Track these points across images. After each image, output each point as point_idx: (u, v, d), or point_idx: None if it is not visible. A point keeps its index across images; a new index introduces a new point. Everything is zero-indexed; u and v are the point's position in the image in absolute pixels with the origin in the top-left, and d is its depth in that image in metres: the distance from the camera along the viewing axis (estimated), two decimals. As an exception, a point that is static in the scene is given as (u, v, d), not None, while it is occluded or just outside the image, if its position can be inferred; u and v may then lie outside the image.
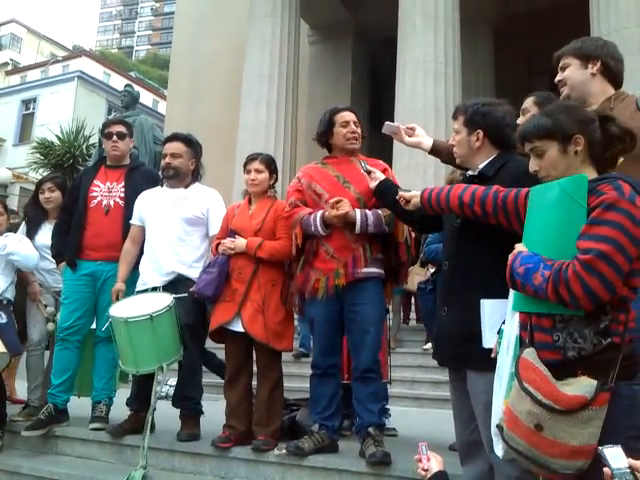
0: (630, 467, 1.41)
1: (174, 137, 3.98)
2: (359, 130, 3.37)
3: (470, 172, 2.49)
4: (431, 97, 9.16)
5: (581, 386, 1.66)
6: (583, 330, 1.73)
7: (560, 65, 2.56)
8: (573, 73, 2.51)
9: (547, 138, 1.91)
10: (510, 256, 1.89)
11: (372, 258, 3.21)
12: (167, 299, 3.53)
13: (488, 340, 2.17)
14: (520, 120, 2.72)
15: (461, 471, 2.43)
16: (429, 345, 6.77)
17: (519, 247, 1.89)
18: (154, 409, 3.55)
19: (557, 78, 2.55)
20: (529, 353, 1.76)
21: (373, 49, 14.49)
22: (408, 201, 2.56)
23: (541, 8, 12.65)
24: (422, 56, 9.35)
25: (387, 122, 3.09)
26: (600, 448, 1.51)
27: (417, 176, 8.30)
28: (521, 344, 1.87)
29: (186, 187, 3.90)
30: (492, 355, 2.09)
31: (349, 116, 3.37)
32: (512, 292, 1.95)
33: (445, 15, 9.57)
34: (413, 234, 3.36)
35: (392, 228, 3.19)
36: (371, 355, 3.16)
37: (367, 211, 3.18)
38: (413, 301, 7.96)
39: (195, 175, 3.98)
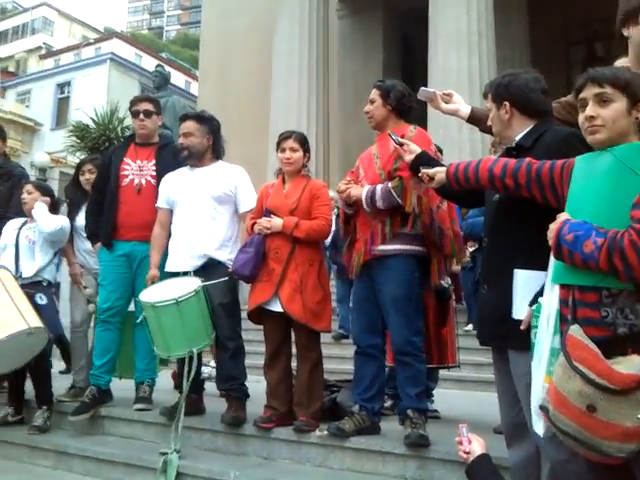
0: None
1: (184, 116, 3.96)
2: (371, 107, 3.34)
3: (507, 146, 2.41)
4: (465, 71, 8.93)
5: (634, 365, 1.61)
6: (635, 305, 1.68)
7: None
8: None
9: (621, 90, 1.82)
10: (555, 224, 1.82)
11: (394, 233, 3.14)
12: (195, 283, 3.52)
13: (519, 311, 2.12)
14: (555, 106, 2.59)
15: (506, 454, 2.40)
16: (470, 326, 6.69)
17: (564, 215, 1.83)
18: (195, 392, 3.58)
19: (626, 33, 2.35)
20: (575, 330, 1.70)
21: (404, 22, 14.18)
22: (432, 178, 2.49)
23: (578, -22, 12.21)
24: (455, 28, 9.11)
25: (422, 87, 2.99)
26: None
27: (452, 153, 8.13)
28: (562, 320, 1.82)
29: (210, 164, 3.85)
30: (522, 327, 2.04)
31: (370, 95, 3.36)
32: (552, 264, 1.89)
33: (477, -16, 9.29)
34: (444, 205, 3.22)
35: (402, 197, 3.10)
36: (399, 336, 3.11)
37: (377, 186, 3.14)
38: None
39: (216, 151, 3.92)
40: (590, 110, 1.84)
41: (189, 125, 3.83)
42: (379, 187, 3.14)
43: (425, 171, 2.52)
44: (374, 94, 3.35)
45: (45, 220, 4.18)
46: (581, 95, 1.89)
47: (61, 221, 4.29)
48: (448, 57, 9.09)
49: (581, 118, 1.88)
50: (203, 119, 3.89)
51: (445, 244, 3.22)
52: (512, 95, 2.34)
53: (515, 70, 2.46)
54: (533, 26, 12.58)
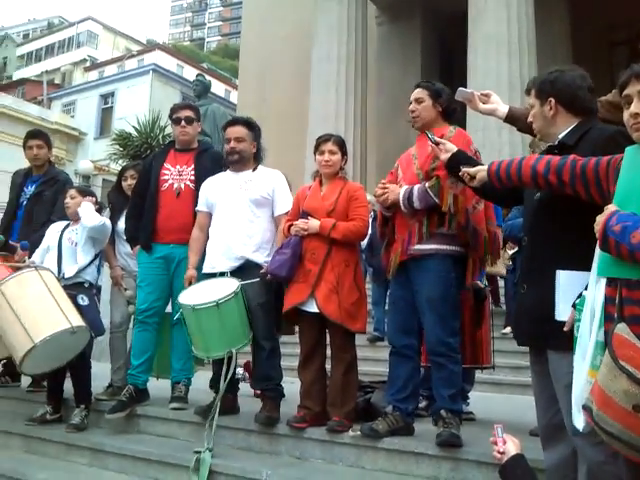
0: None
1: (235, 121, 4.00)
2: (419, 107, 3.30)
3: (550, 143, 2.37)
4: (505, 74, 8.86)
5: None
6: None
7: None
8: None
9: None
10: (603, 215, 1.79)
11: (431, 233, 3.13)
12: (233, 285, 3.54)
13: (561, 312, 2.09)
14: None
15: (542, 456, 2.35)
16: (508, 329, 6.59)
17: (612, 207, 1.80)
18: (230, 392, 3.61)
19: None
20: (622, 329, 1.66)
21: (442, 28, 14.13)
22: (473, 177, 2.47)
23: (623, -26, 11.96)
24: (495, 32, 9.06)
25: (460, 88, 3.01)
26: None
27: (492, 156, 8.02)
28: (607, 319, 1.78)
29: (253, 170, 3.90)
30: (565, 329, 2.01)
31: (412, 95, 3.35)
32: (598, 257, 1.86)
33: (517, -13, 9.20)
34: (480, 206, 3.20)
35: (438, 197, 3.08)
36: (434, 337, 3.09)
37: (414, 187, 3.13)
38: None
39: (257, 158, 3.97)
40: (635, 107, 1.81)
41: (241, 130, 3.88)
42: (416, 187, 3.13)
43: (466, 170, 2.51)
44: (421, 93, 3.32)
45: (89, 215, 4.28)
46: (625, 92, 1.85)
47: (104, 218, 4.40)
48: (488, 60, 9.04)
49: (626, 115, 1.85)
50: (252, 125, 3.96)
51: (479, 244, 3.19)
52: (558, 91, 2.31)
53: (561, 67, 2.42)
54: (575, 27, 12.39)
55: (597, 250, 1.87)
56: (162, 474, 3.51)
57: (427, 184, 3.11)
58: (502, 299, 7.27)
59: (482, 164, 2.66)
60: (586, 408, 1.74)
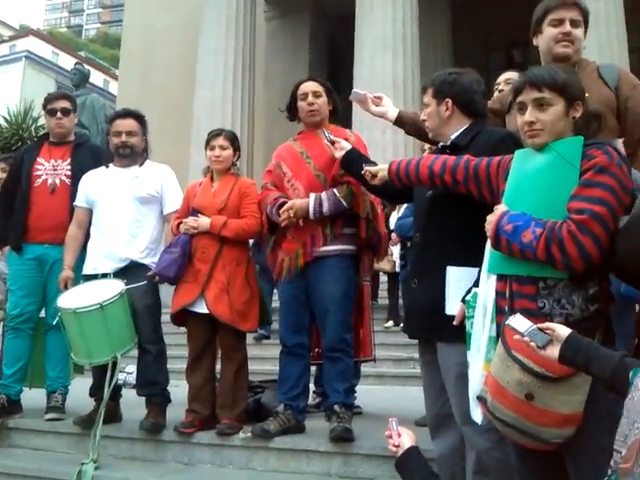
0: (536, 326, 1.58)
1: (127, 114, 3.76)
2: (318, 101, 3.27)
3: (442, 143, 2.43)
4: (390, 74, 9.09)
5: None
6: (571, 296, 1.72)
7: (571, 17, 2.48)
8: (582, 34, 2.49)
9: (559, 93, 1.84)
10: (494, 215, 1.85)
11: (335, 235, 3.15)
12: (118, 286, 3.36)
13: (451, 307, 2.16)
14: (496, 96, 2.67)
15: (431, 446, 2.41)
16: (390, 323, 6.80)
17: (502, 207, 1.86)
18: (112, 399, 3.44)
19: (567, 29, 2.47)
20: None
21: (331, 25, 14.32)
22: (375, 175, 2.49)
23: (499, -16, 12.67)
24: (381, 32, 9.26)
25: (355, 89, 3.05)
26: (507, 322, 1.68)
27: (376, 155, 8.22)
28: (499, 312, 1.85)
29: (140, 165, 3.71)
30: (455, 322, 2.08)
31: (307, 87, 3.30)
32: (488, 254, 1.92)
33: (403, -11, 9.46)
34: (380, 209, 3.30)
35: (352, 203, 3.12)
36: (334, 334, 3.11)
37: (322, 195, 3.10)
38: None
39: (146, 153, 3.79)
40: (529, 115, 1.86)
41: (132, 124, 3.67)
42: (324, 195, 3.10)
43: (368, 169, 2.52)
44: (318, 88, 3.29)
45: None
46: (519, 99, 1.90)
47: None
48: (374, 60, 9.24)
49: (520, 121, 1.90)
50: (142, 119, 3.76)
51: (380, 245, 3.31)
52: (456, 93, 2.36)
53: (458, 69, 2.48)
54: (455, 32, 12.97)
55: (487, 247, 1.93)
56: (39, 490, 3.28)
57: (338, 192, 3.10)
58: (381, 294, 7.50)
59: (374, 162, 2.69)
60: (481, 398, 1.79)
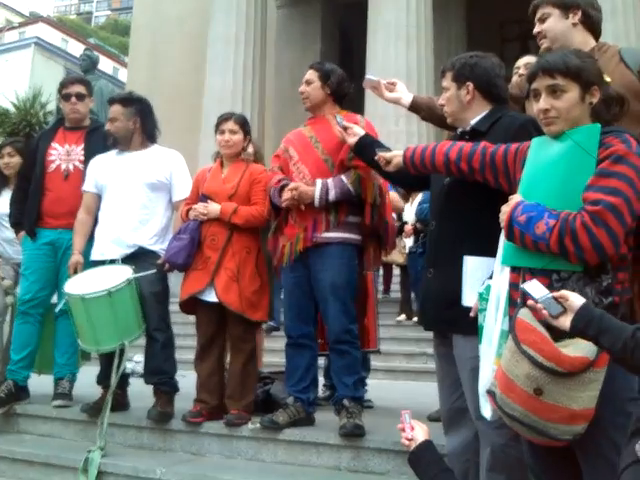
0: (551, 295, 1.53)
1: (111, 100, 3.76)
2: (308, 88, 3.22)
3: (461, 129, 2.35)
4: (403, 62, 9.00)
5: (581, 347, 1.59)
6: (584, 288, 1.68)
7: (538, 16, 2.43)
8: (554, 24, 2.38)
9: (573, 79, 1.78)
10: (508, 205, 1.80)
11: (339, 222, 3.08)
12: (126, 272, 3.33)
13: (468, 298, 2.10)
14: (515, 80, 2.60)
15: (443, 441, 2.35)
16: (403, 317, 6.73)
17: (517, 197, 1.81)
18: (120, 387, 3.44)
19: (535, 30, 2.42)
20: (525, 314, 1.66)
21: (342, 13, 14.21)
22: (389, 162, 2.43)
23: (512, -27, 12.51)
24: (393, 20, 9.17)
25: (368, 75, 3.00)
26: (521, 286, 1.64)
27: (389, 144, 8.12)
28: (512, 304, 1.80)
29: (142, 149, 3.66)
30: (471, 314, 2.02)
31: (305, 76, 3.26)
32: (502, 246, 1.88)
33: (416, -22, 9.36)
34: (388, 198, 3.22)
35: (359, 190, 3.05)
36: (338, 325, 3.06)
37: (329, 181, 3.04)
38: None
39: (148, 134, 3.71)
40: (544, 103, 1.80)
41: (115, 109, 3.64)
42: (332, 184, 3.04)
43: (382, 154, 2.46)
44: (312, 75, 3.25)
45: None
46: (533, 86, 1.84)
47: None
48: (386, 49, 9.15)
49: (535, 109, 1.85)
50: (129, 101, 3.69)
51: (387, 234, 3.22)
52: (477, 76, 2.28)
53: (479, 52, 2.39)
54: (470, 22, 12.81)
55: (501, 239, 1.88)
56: (46, 477, 3.30)
57: (345, 178, 3.04)
58: (393, 287, 7.44)
59: (388, 147, 2.63)
60: (490, 392, 1.74)
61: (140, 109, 3.69)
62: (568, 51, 1.92)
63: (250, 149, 3.93)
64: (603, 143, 1.70)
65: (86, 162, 3.81)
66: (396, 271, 7.16)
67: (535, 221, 1.70)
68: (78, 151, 3.90)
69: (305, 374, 3.15)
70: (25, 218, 3.90)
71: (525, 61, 3.40)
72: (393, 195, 4.38)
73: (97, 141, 3.89)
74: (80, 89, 3.99)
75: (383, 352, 6.08)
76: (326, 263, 3.06)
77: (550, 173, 1.77)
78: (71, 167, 3.86)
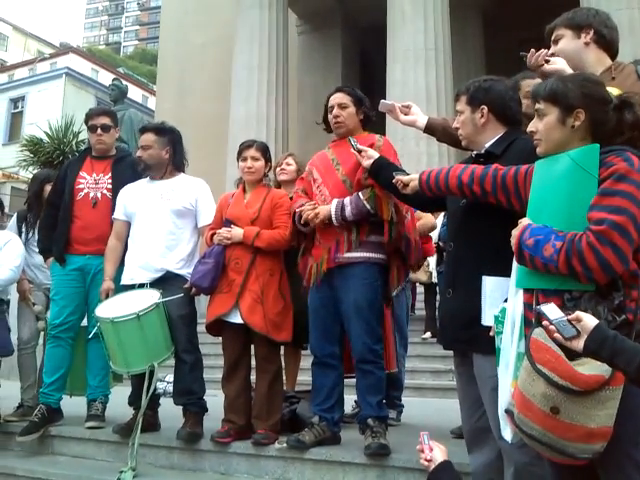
0: (566, 317, 1.54)
1: (143, 128, 3.88)
2: (343, 113, 3.25)
3: (476, 151, 2.40)
4: (422, 85, 9.09)
5: (596, 365, 1.59)
6: (597, 307, 1.68)
7: (553, 38, 2.49)
8: (566, 44, 2.44)
9: (551, 102, 1.86)
10: (517, 229, 1.83)
11: (361, 241, 3.11)
12: (154, 296, 3.42)
13: (488, 318, 2.11)
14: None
15: (467, 459, 2.37)
16: (428, 334, 6.72)
17: (525, 220, 1.84)
18: (150, 408, 3.50)
19: (550, 51, 2.47)
20: (539, 333, 1.68)
21: (362, 38, 14.39)
22: (406, 185, 2.48)
23: (531, -8, 12.55)
24: (412, 43, 9.29)
25: (382, 100, 3.06)
26: (537, 307, 1.66)
27: (410, 165, 8.22)
28: (526, 324, 1.82)
29: (170, 177, 3.78)
30: (491, 333, 2.03)
31: (334, 99, 3.30)
32: (516, 268, 1.90)
33: (434, 0, 9.47)
34: (410, 215, 3.23)
35: (376, 207, 3.07)
36: (361, 345, 3.07)
37: (345, 200, 3.09)
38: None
39: (177, 163, 3.83)
40: (531, 125, 1.92)
41: (147, 137, 3.76)
42: (348, 200, 3.08)
43: (400, 177, 2.51)
44: (345, 99, 3.27)
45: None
46: (535, 106, 1.94)
47: (12, 265, 4.01)
48: (406, 72, 9.25)
49: (528, 129, 1.96)
50: (162, 130, 3.81)
51: (410, 252, 3.21)
52: (491, 100, 2.33)
53: (493, 76, 2.45)
54: (488, 41, 12.85)
55: (514, 262, 1.90)
56: (79, 497, 3.33)
57: (362, 195, 3.07)
58: (418, 305, 7.43)
59: (402, 169, 2.70)
60: (508, 412, 1.76)
61: (172, 139, 3.81)
62: (564, 76, 2.00)
63: (293, 167, 4.07)
64: (604, 162, 1.72)
65: (114, 191, 3.92)
66: (420, 289, 7.17)
67: (543, 244, 1.72)
68: (105, 180, 3.99)
69: (330, 393, 3.18)
70: (54, 244, 3.98)
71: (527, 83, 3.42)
72: (426, 214, 4.36)
73: (124, 170, 4.01)
74: (105, 120, 4.10)
75: (410, 369, 6.09)
76: (349, 283, 3.10)
77: (554, 194, 1.80)
78: (99, 195, 3.96)
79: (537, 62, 2.52)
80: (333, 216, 3.08)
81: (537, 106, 1.90)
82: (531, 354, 1.66)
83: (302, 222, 3.17)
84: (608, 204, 1.67)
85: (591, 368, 1.60)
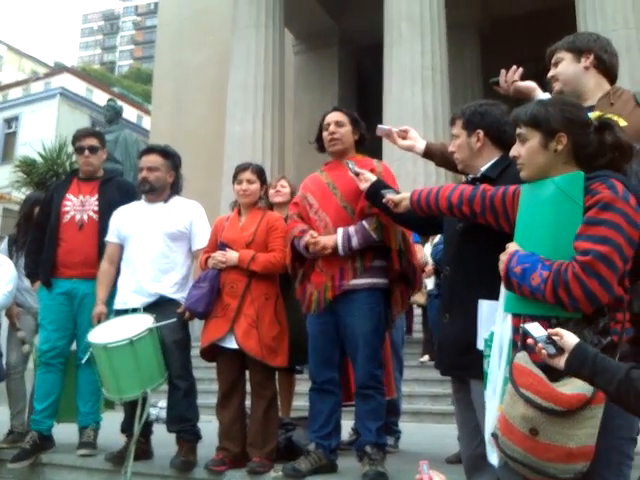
0: (548, 335, 1.57)
1: (150, 149, 3.83)
2: (340, 130, 3.23)
3: (472, 175, 2.39)
4: (419, 104, 9.11)
5: (578, 385, 1.59)
6: (582, 332, 1.68)
7: (553, 61, 2.49)
8: (565, 68, 2.43)
9: (532, 127, 1.87)
10: (504, 255, 1.83)
11: (365, 268, 3.09)
12: (148, 321, 3.37)
13: (483, 342, 2.08)
14: None
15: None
16: (426, 357, 6.66)
17: (513, 246, 1.83)
18: (143, 435, 3.43)
19: (549, 74, 2.48)
20: (521, 358, 1.70)
21: (359, 57, 14.49)
22: (397, 204, 2.47)
23: (527, 12, 12.66)
24: (409, 63, 9.32)
25: (380, 125, 3.04)
26: (522, 325, 1.69)
27: (406, 185, 8.22)
28: (515, 347, 1.82)
29: (165, 201, 3.74)
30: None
31: (330, 117, 3.28)
32: (504, 293, 1.89)
33: (431, 21, 9.55)
34: (411, 240, 3.23)
35: (382, 236, 3.06)
36: (364, 371, 3.05)
37: (350, 229, 3.06)
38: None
39: (175, 188, 3.80)
40: (513, 150, 1.94)
41: (155, 159, 3.71)
42: (353, 230, 3.05)
43: (390, 197, 2.51)
44: (342, 117, 3.26)
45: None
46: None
47: (6, 288, 3.94)
48: (403, 91, 9.27)
49: (511, 154, 1.96)
50: (168, 154, 3.78)
51: (416, 278, 3.22)
52: (487, 124, 2.35)
53: (488, 101, 2.46)
54: (485, 61, 12.95)
55: (502, 287, 1.90)
56: (70, 527, 3.26)
57: (367, 225, 3.05)
58: (415, 327, 7.37)
59: (400, 192, 2.67)
60: (494, 436, 1.75)
61: (175, 164, 3.80)
62: (543, 100, 2.02)
63: (287, 189, 4.06)
64: (589, 189, 1.72)
65: (100, 212, 3.87)
66: (417, 311, 7.11)
67: (530, 272, 1.72)
68: (92, 202, 3.93)
69: (328, 420, 3.13)
70: (40, 268, 3.92)
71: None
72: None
73: (111, 192, 3.96)
74: (93, 142, 4.03)
75: (407, 394, 6.02)
76: (354, 309, 3.06)
77: (540, 221, 1.80)
78: (85, 217, 3.89)
79: (509, 81, 2.55)
80: (340, 247, 3.05)
81: (518, 131, 1.91)
82: (514, 378, 1.68)
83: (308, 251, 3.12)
84: (593, 234, 1.66)
85: (573, 388, 1.61)
